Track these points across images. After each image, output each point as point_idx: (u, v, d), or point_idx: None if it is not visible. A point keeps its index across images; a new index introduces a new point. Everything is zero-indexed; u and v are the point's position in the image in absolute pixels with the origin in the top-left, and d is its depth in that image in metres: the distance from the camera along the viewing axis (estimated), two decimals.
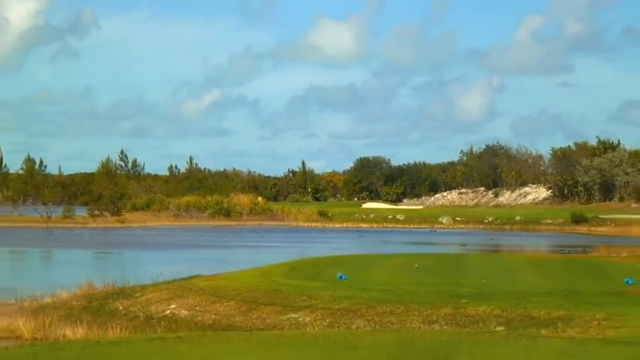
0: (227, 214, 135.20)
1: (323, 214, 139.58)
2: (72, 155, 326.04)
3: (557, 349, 13.25)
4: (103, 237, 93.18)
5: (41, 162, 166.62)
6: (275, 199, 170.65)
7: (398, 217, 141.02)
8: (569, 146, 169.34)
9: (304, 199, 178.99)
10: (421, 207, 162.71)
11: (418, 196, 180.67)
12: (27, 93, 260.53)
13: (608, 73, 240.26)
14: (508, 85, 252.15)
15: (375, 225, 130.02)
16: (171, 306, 31.84)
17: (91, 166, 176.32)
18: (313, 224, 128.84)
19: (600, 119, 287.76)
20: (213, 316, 29.78)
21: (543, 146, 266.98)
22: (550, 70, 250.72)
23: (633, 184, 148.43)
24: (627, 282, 33.96)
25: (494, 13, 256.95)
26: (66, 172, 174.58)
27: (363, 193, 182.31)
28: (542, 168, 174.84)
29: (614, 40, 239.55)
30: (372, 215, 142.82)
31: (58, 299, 34.41)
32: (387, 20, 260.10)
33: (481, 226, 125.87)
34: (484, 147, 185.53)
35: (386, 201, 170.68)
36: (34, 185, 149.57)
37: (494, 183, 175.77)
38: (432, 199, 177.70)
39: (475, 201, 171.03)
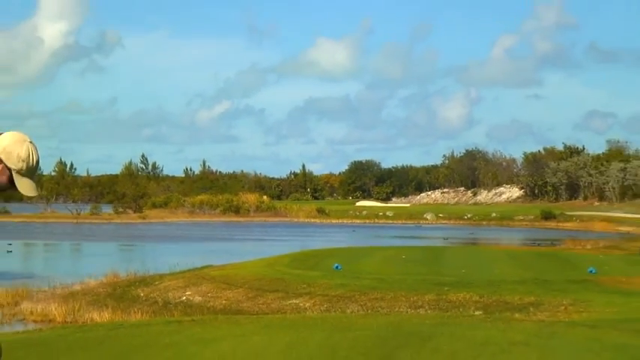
0: (236, 211, 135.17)
1: (321, 211, 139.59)
2: (98, 159, 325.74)
3: (528, 330, 13.30)
4: (126, 231, 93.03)
5: (71, 165, 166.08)
6: (278, 197, 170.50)
7: (387, 213, 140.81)
8: (539, 151, 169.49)
9: (304, 197, 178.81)
10: (408, 205, 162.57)
11: (405, 195, 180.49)
12: (59, 104, 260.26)
13: (573, 86, 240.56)
14: (484, 97, 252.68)
15: (367, 221, 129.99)
16: (187, 293, 31.87)
17: (116, 169, 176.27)
18: (312, 220, 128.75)
19: (566, 127, 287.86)
20: (223, 302, 29.80)
21: (516, 151, 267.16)
22: (522, 83, 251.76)
23: (595, 185, 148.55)
24: (590, 271, 34.03)
25: (472, 33, 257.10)
26: (93, 173, 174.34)
27: (357, 193, 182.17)
28: (515, 170, 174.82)
29: (578, 57, 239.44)
30: (364, 212, 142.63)
31: (86, 286, 34.45)
32: (377, 40, 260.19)
33: (461, 222, 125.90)
34: (464, 152, 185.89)
35: (377, 199, 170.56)
36: (65, 185, 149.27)
37: (473, 183, 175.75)
38: (418, 197, 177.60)
39: (456, 199, 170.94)
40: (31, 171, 4.48)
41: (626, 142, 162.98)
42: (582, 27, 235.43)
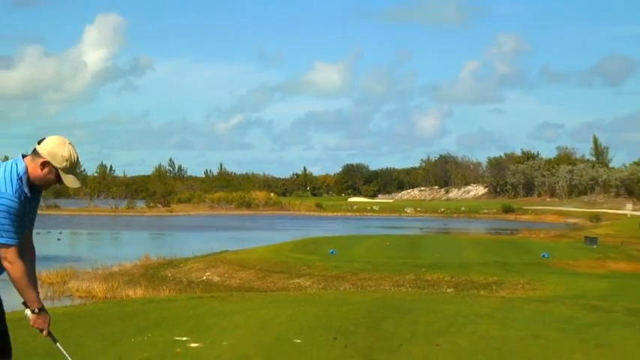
0: (248, 205, 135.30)
1: (319, 206, 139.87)
2: (133, 162, 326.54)
3: (492, 305, 13.29)
4: (156, 222, 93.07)
5: (110, 167, 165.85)
6: (283, 194, 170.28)
7: (374, 207, 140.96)
8: (500, 156, 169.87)
9: (305, 194, 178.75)
10: (391, 200, 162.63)
11: (389, 192, 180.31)
12: (100, 116, 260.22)
13: (528, 102, 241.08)
14: (454, 111, 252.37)
15: (357, 214, 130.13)
16: (207, 273, 31.87)
17: (148, 170, 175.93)
18: (311, 213, 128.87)
19: (523, 136, 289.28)
20: (237, 281, 29.82)
21: (481, 156, 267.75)
22: (485, 100, 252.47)
23: (547, 184, 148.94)
24: (543, 256, 34.07)
25: (444, 59, 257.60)
26: (129, 174, 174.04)
27: (349, 190, 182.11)
28: (480, 172, 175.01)
29: (532, 78, 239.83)
30: (355, 206, 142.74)
31: (122, 268, 34.51)
32: (364, 64, 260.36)
33: (436, 215, 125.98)
34: (437, 156, 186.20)
35: (365, 196, 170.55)
36: (105, 184, 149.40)
37: (445, 183, 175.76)
38: (400, 194, 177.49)
39: (431, 196, 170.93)
40: (73, 167, 4.50)
41: (573, 149, 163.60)
42: (535, 53, 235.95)
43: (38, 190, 4.54)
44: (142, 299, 19.74)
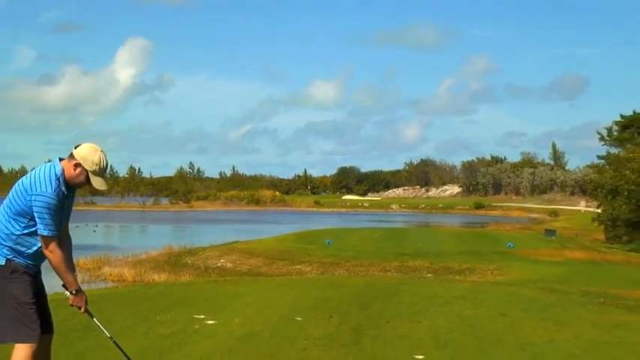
0: (257, 202, 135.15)
1: (317, 203, 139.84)
2: (158, 165, 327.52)
3: (465, 288, 13.31)
4: (178, 217, 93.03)
5: (139, 169, 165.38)
6: (287, 193, 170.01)
7: (364, 204, 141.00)
8: (472, 160, 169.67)
9: (305, 193, 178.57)
10: (379, 198, 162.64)
11: (377, 191, 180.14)
12: (130, 125, 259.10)
13: (496, 114, 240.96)
14: (433, 122, 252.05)
15: (350, 209, 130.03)
16: (221, 260, 31.86)
17: (171, 172, 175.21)
18: (311, 209, 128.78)
19: (491, 143, 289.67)
20: (247, 267, 29.81)
21: (456, 160, 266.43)
22: (460, 112, 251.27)
23: (513, 184, 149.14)
24: (509, 246, 34.12)
25: (425, 76, 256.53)
26: (155, 175, 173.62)
27: (343, 189, 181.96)
28: (455, 174, 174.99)
29: (499, 93, 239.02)
30: (348, 203, 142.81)
31: (149, 256, 34.46)
32: (356, 81, 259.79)
33: (417, 210, 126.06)
34: (419, 160, 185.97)
35: (357, 194, 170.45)
36: (134, 184, 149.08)
37: (425, 183, 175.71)
38: (386, 193, 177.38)
39: (413, 194, 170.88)
40: (102, 171, 4.51)
41: (535, 154, 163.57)
42: (502, 71, 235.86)
43: (73, 189, 4.55)
44: (165, 283, 19.76)
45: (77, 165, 4.41)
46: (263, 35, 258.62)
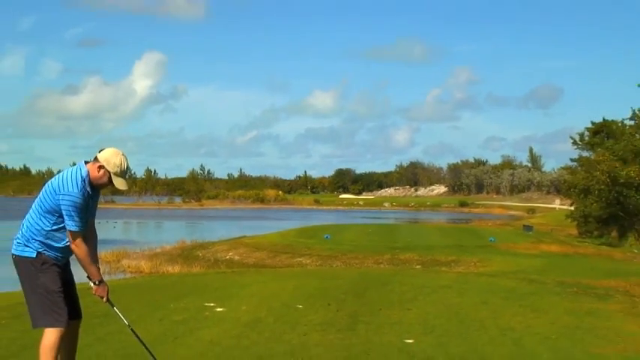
0: (261, 201, 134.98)
1: (317, 201, 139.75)
2: (172, 167, 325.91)
3: (451, 278, 13.31)
4: (190, 214, 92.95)
5: (155, 171, 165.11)
6: (289, 192, 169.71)
7: (359, 202, 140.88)
8: (457, 162, 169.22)
9: (306, 192, 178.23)
10: (373, 197, 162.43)
11: (371, 190, 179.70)
12: (146, 131, 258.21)
13: (478, 121, 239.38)
14: (422, 127, 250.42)
15: (346, 207, 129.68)
16: (230, 253, 31.82)
17: (184, 173, 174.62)
18: (311, 207, 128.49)
19: (474, 147, 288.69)
20: (253, 260, 29.75)
21: (443, 162, 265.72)
22: (445, 119, 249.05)
23: (494, 184, 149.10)
24: (491, 240, 34.08)
25: (414, 87, 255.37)
26: (169, 176, 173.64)
27: (340, 189, 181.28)
28: (442, 175, 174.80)
29: (481, 102, 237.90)
30: (344, 202, 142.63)
31: (163, 249, 34.40)
32: (352, 91, 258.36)
33: (407, 208, 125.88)
34: (408, 163, 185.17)
35: (353, 193, 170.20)
36: (151, 184, 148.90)
37: (415, 183, 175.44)
38: (379, 192, 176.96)
39: (404, 194, 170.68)
40: (123, 173, 4.54)
41: (513, 157, 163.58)
42: (484, 82, 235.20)
43: (98, 189, 4.57)
44: (178, 274, 19.74)
45: (101, 167, 4.45)
46: (267, 50, 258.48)
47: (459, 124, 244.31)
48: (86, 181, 4.42)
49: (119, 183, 4.51)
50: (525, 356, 6.37)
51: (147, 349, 4.87)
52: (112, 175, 4.48)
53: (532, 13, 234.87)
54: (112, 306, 4.69)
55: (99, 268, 4.56)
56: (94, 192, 4.53)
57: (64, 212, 4.34)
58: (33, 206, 4.48)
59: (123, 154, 4.52)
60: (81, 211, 4.36)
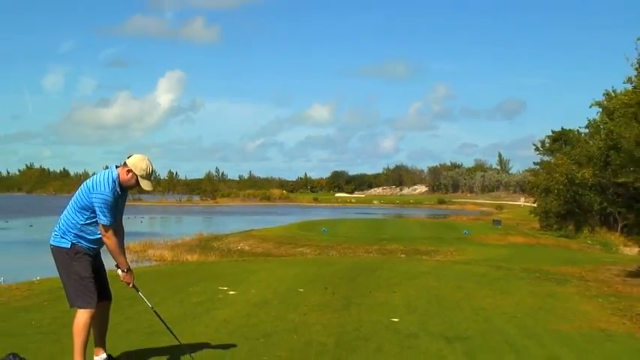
0: (268, 199, 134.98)
1: (315, 199, 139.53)
2: (191, 170, 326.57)
3: (431, 265, 13.31)
4: (206, 210, 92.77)
5: (176, 173, 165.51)
6: (291, 191, 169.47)
7: (352, 200, 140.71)
8: (436, 165, 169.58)
9: (306, 191, 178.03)
10: (364, 195, 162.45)
11: (362, 190, 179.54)
12: (169, 139, 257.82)
13: (454, 130, 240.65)
14: (406, 136, 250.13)
15: (341, 204, 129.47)
16: (241, 244, 31.80)
17: (201, 175, 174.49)
18: (310, 204, 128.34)
19: (450, 152, 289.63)
20: (261, 249, 29.74)
21: (423, 165, 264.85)
22: (426, 128, 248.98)
23: (468, 184, 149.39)
24: (465, 233, 34.10)
25: (399, 101, 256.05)
26: (188, 178, 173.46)
27: (335, 188, 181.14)
28: (423, 176, 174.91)
29: (456, 114, 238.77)
30: (339, 199, 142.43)
31: (183, 240, 34.39)
32: (345, 104, 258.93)
33: (393, 205, 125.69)
34: (394, 166, 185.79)
35: (346, 192, 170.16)
36: (172, 185, 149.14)
37: (400, 183, 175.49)
38: (370, 191, 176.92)
39: (390, 193, 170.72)
40: (149, 176, 4.53)
41: (484, 161, 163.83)
42: (458, 97, 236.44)
43: (126, 190, 4.57)
44: (196, 262, 19.69)
45: (129, 171, 4.45)
46: (273, 69, 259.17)
47: (438, 132, 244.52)
48: (116, 183, 4.42)
49: (145, 184, 4.52)
50: (495, 332, 6.37)
51: (167, 327, 4.86)
52: (138, 177, 4.48)
53: (500, 39, 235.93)
54: (137, 291, 4.68)
55: (126, 258, 4.56)
56: (123, 192, 4.53)
57: (96, 209, 4.34)
58: (69, 203, 4.49)
59: (148, 159, 4.53)
60: (111, 208, 4.37)
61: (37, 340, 5.48)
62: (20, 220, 55.56)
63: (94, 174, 4.59)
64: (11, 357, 4.64)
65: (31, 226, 47.77)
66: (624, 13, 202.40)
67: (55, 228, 4.50)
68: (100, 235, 4.42)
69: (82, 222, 4.40)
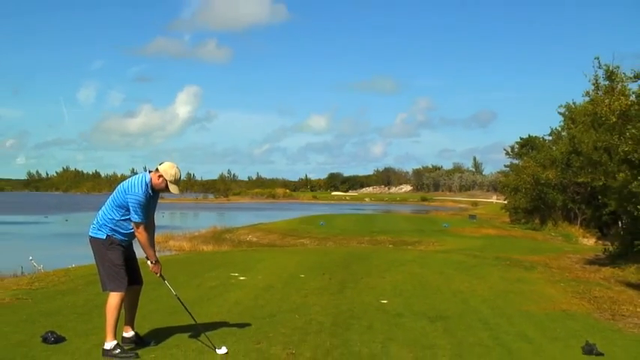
0: (273, 197, 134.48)
1: (315, 197, 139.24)
2: (206, 171, 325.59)
3: (415, 254, 13.30)
4: (220, 207, 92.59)
5: (193, 175, 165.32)
6: (294, 190, 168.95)
7: (347, 198, 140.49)
8: (420, 168, 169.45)
9: (306, 190, 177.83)
10: (357, 194, 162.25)
11: (356, 189, 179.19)
12: (186, 145, 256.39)
13: (436, 137, 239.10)
14: (392, 142, 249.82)
15: (337, 202, 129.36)
16: (249, 236, 31.71)
17: (215, 176, 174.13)
18: (310, 201, 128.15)
19: (432, 156, 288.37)
20: (267, 241, 29.68)
21: (409, 167, 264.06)
22: (410, 135, 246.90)
23: (448, 184, 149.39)
24: (445, 226, 34.04)
25: (386, 111, 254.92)
26: (204, 178, 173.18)
27: (332, 188, 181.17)
28: (408, 177, 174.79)
29: (436, 123, 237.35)
30: (336, 197, 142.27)
31: (200, 233, 34.24)
32: (339, 114, 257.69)
33: (382, 202, 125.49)
34: (383, 168, 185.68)
35: (342, 191, 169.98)
36: (190, 184, 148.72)
37: (388, 183, 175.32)
38: (362, 190, 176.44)
39: (380, 191, 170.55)
40: (177, 181, 4.61)
41: (461, 164, 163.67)
42: (438, 108, 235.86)
43: (157, 192, 4.62)
44: (211, 251, 19.69)
45: (160, 176, 4.51)
46: (277, 84, 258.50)
47: (420, 139, 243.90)
48: (149, 186, 4.49)
49: (173, 189, 4.59)
50: (471, 312, 6.38)
51: (186, 309, 4.86)
52: (168, 182, 4.53)
53: (475, 57, 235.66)
54: (164, 280, 4.71)
55: (155, 251, 4.61)
56: (155, 194, 4.59)
57: (130, 207, 4.40)
58: (107, 201, 4.53)
59: (177, 167, 4.61)
60: (144, 208, 4.43)
61: (72, 319, 5.50)
62: (58, 215, 55.48)
63: (130, 177, 4.64)
64: (49, 334, 4.66)
65: (67, 220, 47.69)
66: (584, 33, 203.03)
67: (94, 221, 4.55)
68: (132, 230, 4.47)
69: (118, 218, 4.46)
